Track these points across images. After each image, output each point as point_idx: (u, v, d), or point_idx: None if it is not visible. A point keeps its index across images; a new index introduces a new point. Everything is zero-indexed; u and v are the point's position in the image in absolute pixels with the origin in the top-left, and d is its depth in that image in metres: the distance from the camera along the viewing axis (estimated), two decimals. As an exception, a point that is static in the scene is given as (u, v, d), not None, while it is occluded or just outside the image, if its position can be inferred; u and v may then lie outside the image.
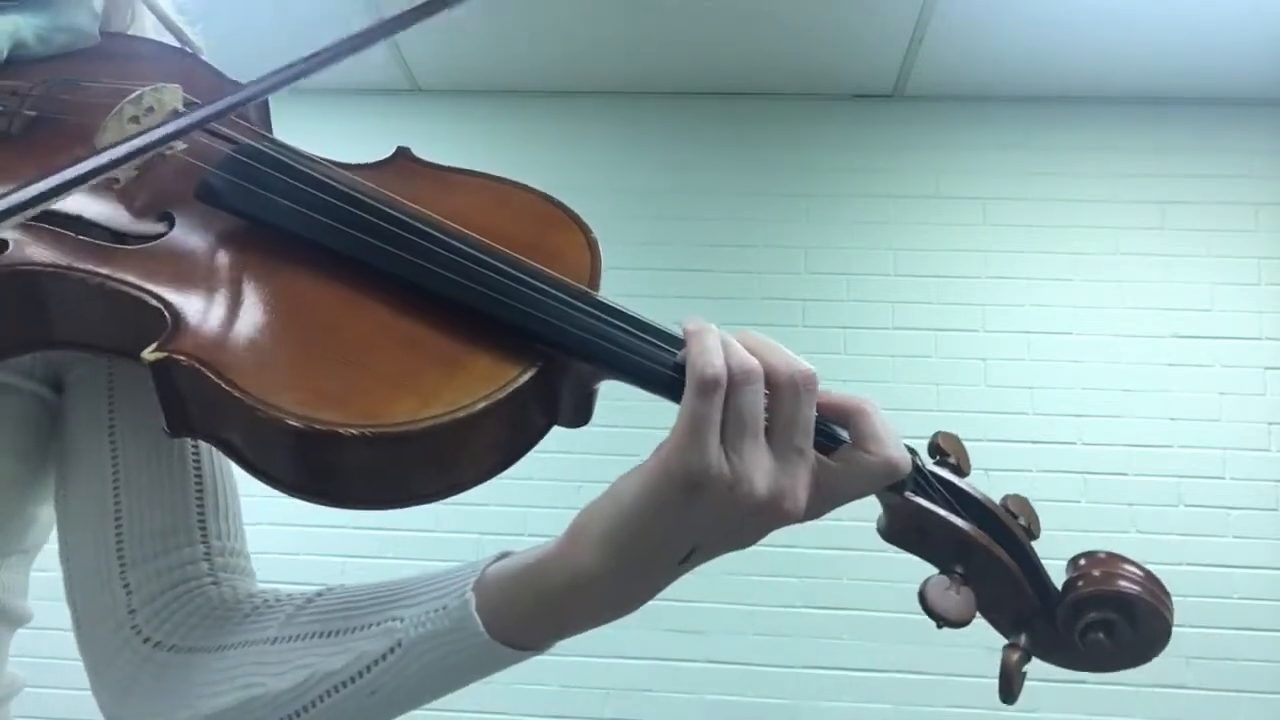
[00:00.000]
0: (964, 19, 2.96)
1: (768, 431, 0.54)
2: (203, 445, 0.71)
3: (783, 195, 3.33)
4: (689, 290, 3.24)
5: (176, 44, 0.78)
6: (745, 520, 0.54)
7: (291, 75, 0.54)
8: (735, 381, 0.53)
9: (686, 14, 3.02)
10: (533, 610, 0.57)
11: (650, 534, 0.54)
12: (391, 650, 0.59)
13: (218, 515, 0.70)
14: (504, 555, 0.61)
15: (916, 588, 0.61)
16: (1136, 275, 3.19)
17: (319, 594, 0.66)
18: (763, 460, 0.54)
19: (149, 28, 0.79)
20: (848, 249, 3.28)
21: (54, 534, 0.75)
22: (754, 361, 0.54)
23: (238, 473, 0.73)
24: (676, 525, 0.54)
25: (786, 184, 3.34)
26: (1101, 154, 3.28)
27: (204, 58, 0.77)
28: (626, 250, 3.25)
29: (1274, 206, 3.21)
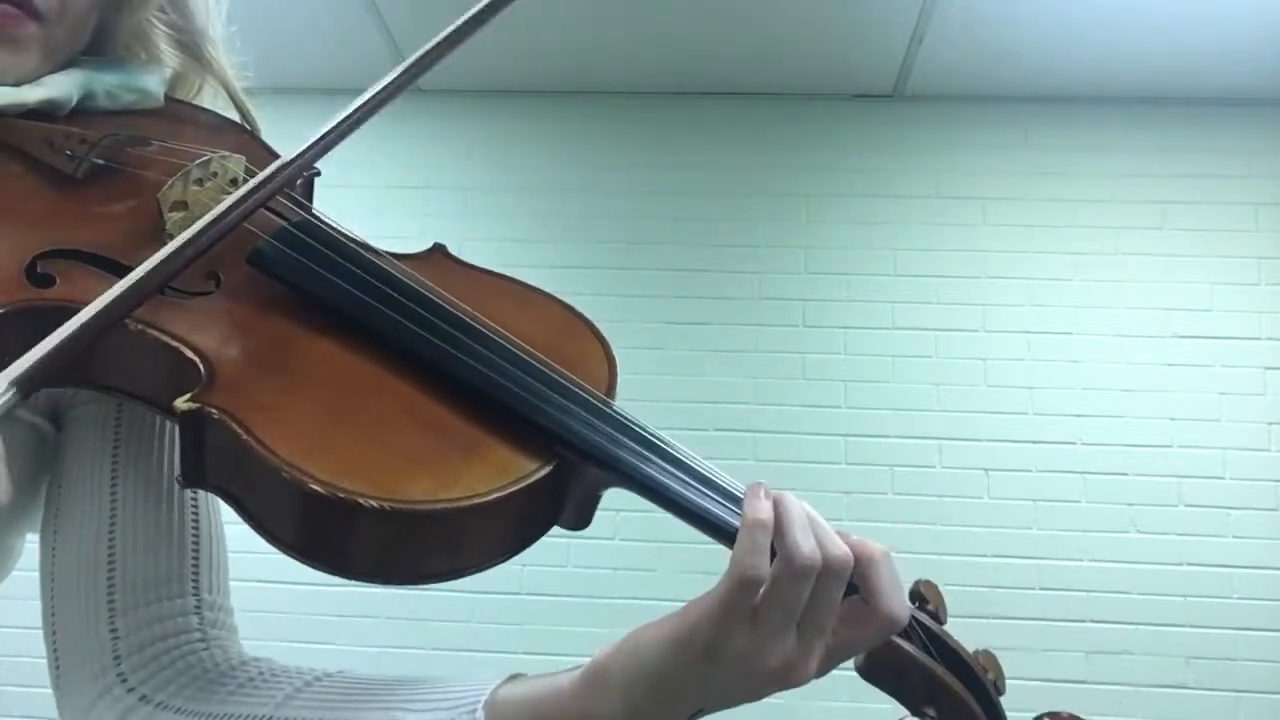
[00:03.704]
0: (964, 19, 2.96)
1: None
2: (201, 503, 0.72)
3: (783, 195, 3.33)
4: (689, 290, 3.24)
5: (237, 119, 0.80)
6: (755, 687, 0.56)
7: (338, 135, 0.59)
8: (781, 578, 0.54)
9: (686, 14, 3.02)
10: None
11: (665, 691, 0.56)
12: None
13: (210, 571, 0.71)
14: (514, 678, 0.61)
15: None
16: (1136, 275, 3.19)
17: (318, 678, 0.66)
18: (787, 639, 0.55)
19: (208, 100, 0.81)
20: (848, 249, 3.28)
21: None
22: (808, 561, 0.54)
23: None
24: (692, 686, 0.56)
25: (786, 184, 3.34)
26: (1101, 154, 3.28)
27: (261, 137, 0.79)
28: (626, 250, 3.25)
29: (1274, 206, 3.21)
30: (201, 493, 0.72)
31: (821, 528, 0.56)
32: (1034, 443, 3.06)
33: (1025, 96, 3.30)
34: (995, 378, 3.14)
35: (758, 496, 0.56)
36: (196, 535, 0.70)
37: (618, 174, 3.37)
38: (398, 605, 2.98)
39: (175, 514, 0.70)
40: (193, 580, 0.69)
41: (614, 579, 3.01)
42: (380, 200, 3.24)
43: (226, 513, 0.65)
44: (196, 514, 0.71)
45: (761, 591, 0.54)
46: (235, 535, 0.71)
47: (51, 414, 0.72)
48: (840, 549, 0.55)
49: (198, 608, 0.69)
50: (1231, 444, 3.05)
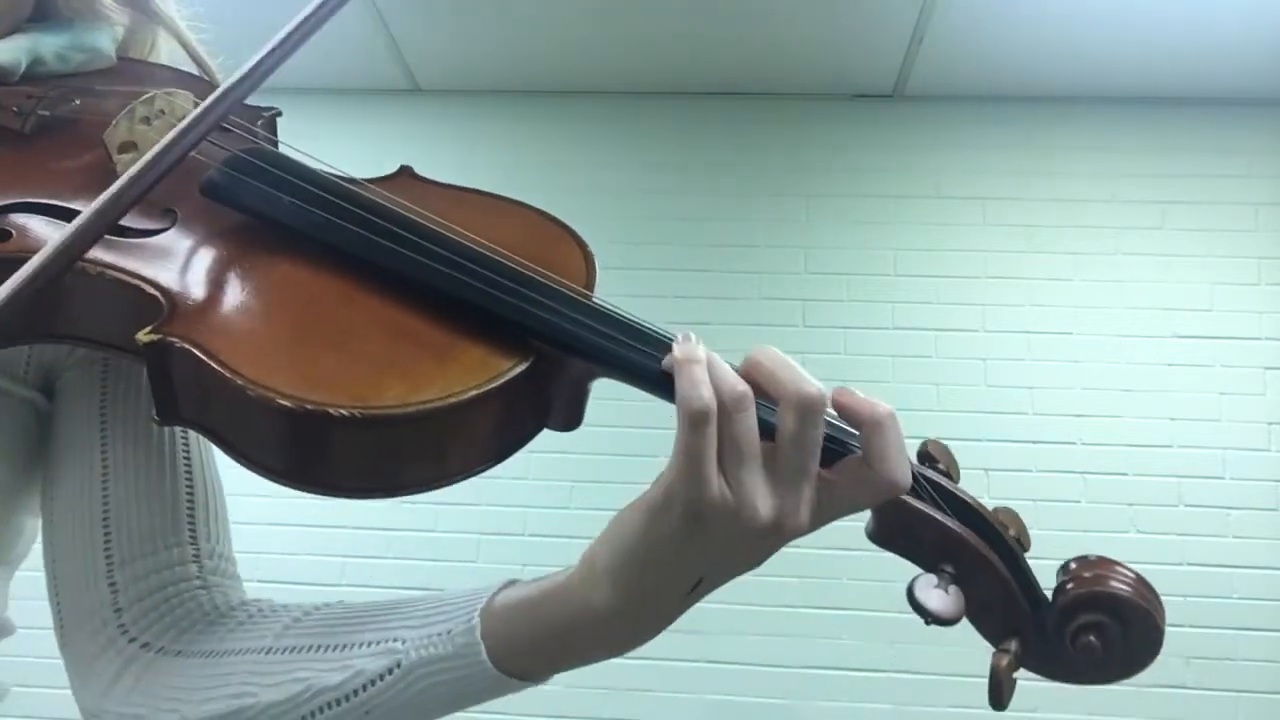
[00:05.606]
0: (964, 19, 2.96)
1: (772, 452, 0.53)
2: (193, 451, 0.72)
3: (783, 195, 3.33)
4: (689, 290, 3.24)
5: (195, 72, 0.79)
6: (749, 544, 0.53)
7: (284, 50, 0.56)
8: (725, 410, 0.52)
9: (686, 14, 3.02)
10: (537, 641, 0.57)
11: (656, 566, 0.54)
12: (390, 670, 0.58)
13: (208, 519, 0.71)
14: (510, 584, 0.60)
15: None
16: (1136, 275, 3.19)
17: (317, 607, 0.66)
18: (764, 484, 0.52)
19: (165, 58, 0.81)
20: (848, 249, 3.28)
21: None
22: (742, 388, 0.53)
23: (226, 481, 0.73)
24: (681, 555, 0.53)
25: (786, 184, 3.34)
26: (1101, 154, 3.28)
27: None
28: (626, 250, 3.25)
29: (1274, 206, 3.21)
30: (194, 443, 0.72)
31: (792, 368, 0.54)
32: (1034, 443, 3.06)
33: (1025, 96, 3.30)
34: (995, 378, 3.14)
35: (683, 338, 0.55)
36: (190, 485, 0.70)
37: (618, 174, 3.37)
38: (398, 605, 2.98)
39: (167, 466, 0.70)
40: (189, 529, 0.69)
41: (614, 579, 3.00)
42: (380, 200, 3.23)
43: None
44: (189, 464, 0.71)
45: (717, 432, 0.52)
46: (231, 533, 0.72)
47: (44, 387, 0.72)
48: (810, 386, 0.53)
49: (196, 556, 0.69)
50: (1231, 444, 3.05)
